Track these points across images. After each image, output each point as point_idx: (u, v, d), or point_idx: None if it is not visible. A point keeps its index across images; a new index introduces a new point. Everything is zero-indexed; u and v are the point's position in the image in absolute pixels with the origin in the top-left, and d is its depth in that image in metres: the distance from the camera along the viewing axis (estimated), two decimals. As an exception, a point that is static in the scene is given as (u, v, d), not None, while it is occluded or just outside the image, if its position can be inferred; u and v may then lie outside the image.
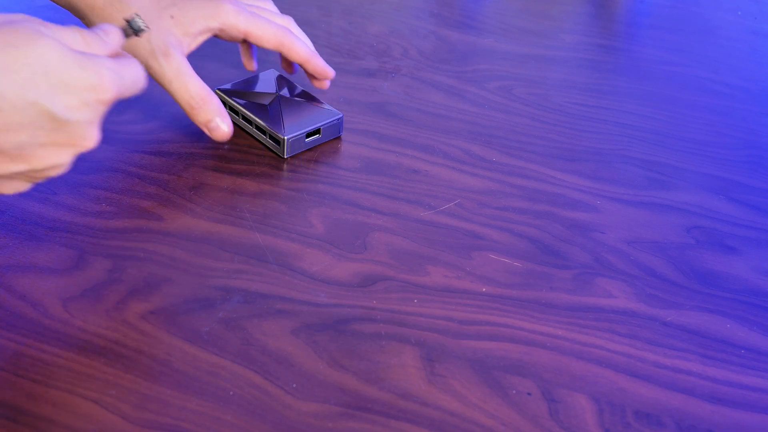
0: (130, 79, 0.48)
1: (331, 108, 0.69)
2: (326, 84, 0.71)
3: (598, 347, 0.51)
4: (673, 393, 0.48)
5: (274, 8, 0.70)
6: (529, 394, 0.48)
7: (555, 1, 1.01)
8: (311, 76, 0.70)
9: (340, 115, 0.68)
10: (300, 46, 0.67)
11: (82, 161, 0.57)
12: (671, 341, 0.52)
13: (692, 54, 0.89)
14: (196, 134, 0.67)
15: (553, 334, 0.52)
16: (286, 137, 0.65)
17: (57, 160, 0.46)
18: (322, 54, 0.81)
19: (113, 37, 0.50)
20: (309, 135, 0.67)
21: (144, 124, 0.68)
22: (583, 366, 0.50)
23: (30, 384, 0.46)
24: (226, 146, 0.68)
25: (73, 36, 0.47)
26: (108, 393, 0.46)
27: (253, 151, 0.68)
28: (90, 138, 0.47)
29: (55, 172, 0.48)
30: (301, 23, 0.73)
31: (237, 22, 0.64)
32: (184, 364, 0.48)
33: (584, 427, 0.46)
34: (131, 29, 0.51)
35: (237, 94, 0.70)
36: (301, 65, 0.68)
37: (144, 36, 0.59)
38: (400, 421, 0.45)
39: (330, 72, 0.69)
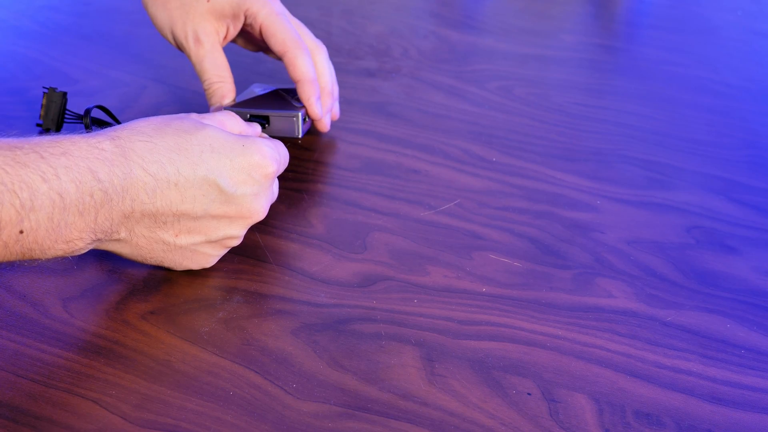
0: (284, 156, 0.55)
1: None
2: (314, 111, 0.66)
3: (598, 347, 0.51)
4: (673, 393, 0.48)
5: (310, 34, 0.69)
6: (529, 394, 0.48)
7: (555, 1, 1.01)
8: (301, 100, 0.67)
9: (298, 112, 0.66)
10: (303, 65, 0.65)
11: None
12: (671, 341, 0.52)
13: (692, 54, 0.89)
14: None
15: (553, 334, 0.52)
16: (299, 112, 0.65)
17: (230, 231, 0.52)
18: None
19: (256, 127, 0.58)
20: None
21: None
22: (583, 366, 0.50)
23: (30, 384, 0.46)
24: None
25: (231, 122, 0.55)
26: (108, 393, 0.46)
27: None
28: (257, 210, 0.52)
29: (231, 243, 0.53)
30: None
31: (259, 11, 0.65)
32: (184, 364, 0.48)
33: (584, 427, 0.46)
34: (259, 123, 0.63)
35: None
36: (296, 84, 0.66)
37: (181, 20, 0.65)
38: (400, 421, 0.45)
39: (317, 110, 0.66)
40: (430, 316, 0.53)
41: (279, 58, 0.66)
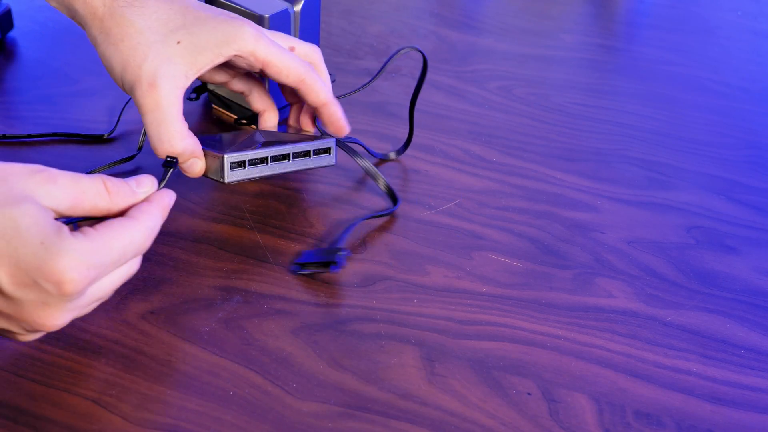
0: (117, 255, 0.43)
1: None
2: (344, 129, 0.60)
3: (598, 347, 0.51)
4: (673, 393, 0.48)
5: (298, 39, 0.62)
6: (529, 394, 0.48)
7: (555, 1, 1.01)
8: (324, 124, 0.61)
9: (333, 140, 0.60)
10: (322, 87, 0.58)
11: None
12: (671, 341, 0.52)
13: (692, 54, 0.89)
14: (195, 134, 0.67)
15: (553, 334, 0.52)
16: (334, 138, 0.59)
17: (11, 328, 0.43)
18: (322, 54, 0.81)
19: (144, 187, 0.47)
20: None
21: (142, 123, 0.68)
22: (583, 366, 0.50)
23: (30, 384, 0.46)
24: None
25: (92, 188, 0.44)
26: (108, 393, 0.46)
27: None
28: (45, 322, 0.42)
29: (15, 337, 0.44)
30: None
31: (256, 49, 0.55)
32: (184, 364, 0.48)
33: (584, 427, 0.46)
34: (169, 167, 0.51)
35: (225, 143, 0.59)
36: (317, 109, 0.59)
37: (135, 61, 0.53)
38: (400, 421, 0.45)
39: (346, 127, 0.60)
40: (430, 316, 0.53)
41: (281, 84, 0.60)
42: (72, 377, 0.47)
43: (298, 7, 0.68)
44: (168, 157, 0.50)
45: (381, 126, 0.72)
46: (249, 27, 0.55)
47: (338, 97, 0.61)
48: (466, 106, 0.76)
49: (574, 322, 0.53)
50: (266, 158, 0.56)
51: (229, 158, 0.54)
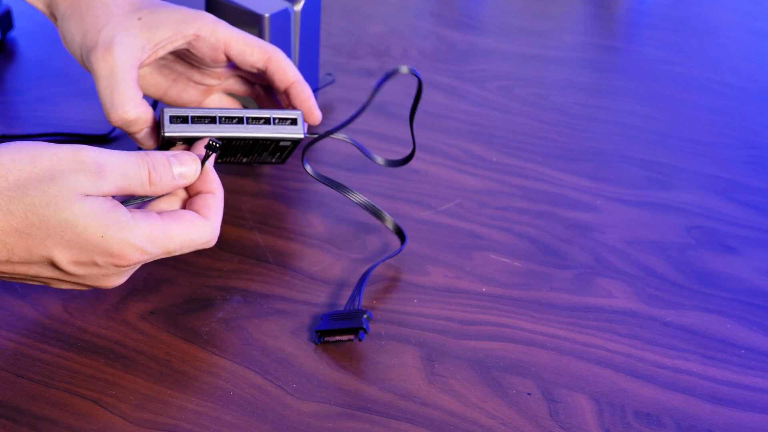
0: (176, 247, 0.45)
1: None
2: (315, 112, 0.58)
3: (598, 347, 0.51)
4: (673, 393, 0.48)
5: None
6: (529, 394, 0.48)
7: (555, 1, 1.01)
8: (292, 107, 0.58)
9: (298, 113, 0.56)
10: (290, 64, 0.57)
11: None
12: (671, 341, 0.52)
13: (692, 54, 0.89)
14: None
15: (553, 334, 0.52)
16: (299, 111, 0.55)
17: (76, 288, 0.46)
18: (322, 54, 0.81)
19: (186, 168, 0.47)
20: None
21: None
22: (583, 366, 0.50)
23: (30, 384, 0.46)
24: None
25: (137, 179, 0.45)
26: (108, 393, 0.46)
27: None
28: (105, 285, 0.46)
29: (87, 288, 0.47)
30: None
31: (216, 28, 0.54)
32: (184, 364, 0.48)
33: (584, 427, 0.46)
34: (211, 151, 0.49)
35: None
36: (286, 92, 0.57)
37: (95, 28, 0.53)
38: (400, 421, 0.45)
39: (317, 112, 0.58)
40: (430, 316, 0.53)
41: (244, 70, 0.58)
42: (72, 377, 0.47)
43: (298, 7, 0.68)
44: (211, 140, 0.48)
45: (381, 126, 0.72)
46: (209, 14, 0.55)
47: (334, 130, 0.56)
48: (466, 106, 0.76)
49: (574, 322, 0.53)
50: (214, 117, 0.53)
51: (168, 111, 0.52)
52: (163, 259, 0.55)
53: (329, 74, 0.78)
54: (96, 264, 0.43)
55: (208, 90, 0.61)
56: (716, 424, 0.47)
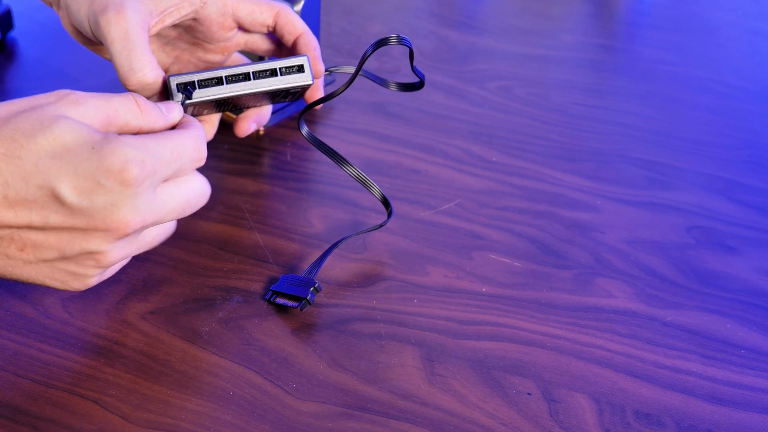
0: (170, 154, 0.44)
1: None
2: (319, 64, 0.58)
3: (598, 347, 0.51)
4: (673, 393, 0.48)
5: None
6: (529, 394, 0.48)
7: (555, 1, 1.01)
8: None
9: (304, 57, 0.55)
10: (298, 18, 0.58)
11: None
12: (671, 341, 0.52)
13: (692, 54, 0.89)
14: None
15: (553, 334, 0.52)
16: (306, 55, 0.55)
17: (89, 246, 0.43)
18: (322, 54, 0.81)
19: (173, 113, 0.47)
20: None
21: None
22: (583, 366, 0.50)
23: (30, 384, 0.46)
24: (225, 146, 0.68)
25: (124, 105, 0.44)
26: (108, 393, 0.46)
27: (254, 151, 0.67)
28: (118, 221, 0.42)
29: (100, 260, 0.44)
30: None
31: None
32: (184, 364, 0.48)
33: (584, 427, 0.46)
34: (184, 96, 0.49)
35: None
36: (295, 42, 0.58)
37: None
38: (400, 421, 0.45)
39: (321, 64, 0.59)
40: (430, 316, 0.53)
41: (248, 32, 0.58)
42: (72, 377, 0.47)
43: (298, 7, 0.68)
44: (178, 84, 0.48)
45: (381, 126, 0.72)
46: None
47: (333, 93, 0.57)
48: (466, 106, 0.76)
49: (574, 322, 0.53)
50: (221, 78, 0.52)
51: (175, 79, 0.51)
52: (163, 259, 0.55)
53: (329, 73, 0.78)
54: (101, 185, 0.41)
55: (211, 68, 0.60)
56: (716, 424, 0.47)
